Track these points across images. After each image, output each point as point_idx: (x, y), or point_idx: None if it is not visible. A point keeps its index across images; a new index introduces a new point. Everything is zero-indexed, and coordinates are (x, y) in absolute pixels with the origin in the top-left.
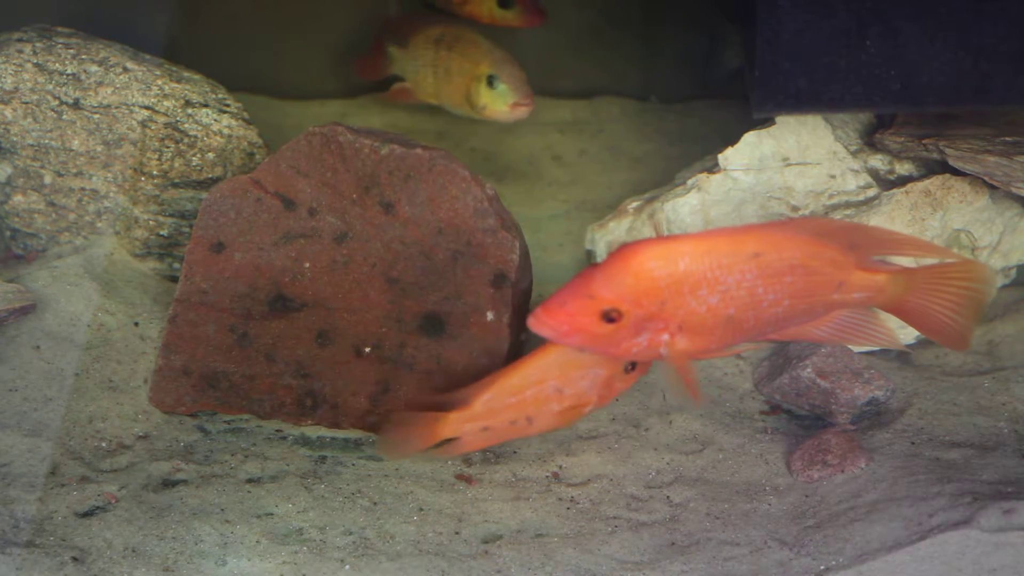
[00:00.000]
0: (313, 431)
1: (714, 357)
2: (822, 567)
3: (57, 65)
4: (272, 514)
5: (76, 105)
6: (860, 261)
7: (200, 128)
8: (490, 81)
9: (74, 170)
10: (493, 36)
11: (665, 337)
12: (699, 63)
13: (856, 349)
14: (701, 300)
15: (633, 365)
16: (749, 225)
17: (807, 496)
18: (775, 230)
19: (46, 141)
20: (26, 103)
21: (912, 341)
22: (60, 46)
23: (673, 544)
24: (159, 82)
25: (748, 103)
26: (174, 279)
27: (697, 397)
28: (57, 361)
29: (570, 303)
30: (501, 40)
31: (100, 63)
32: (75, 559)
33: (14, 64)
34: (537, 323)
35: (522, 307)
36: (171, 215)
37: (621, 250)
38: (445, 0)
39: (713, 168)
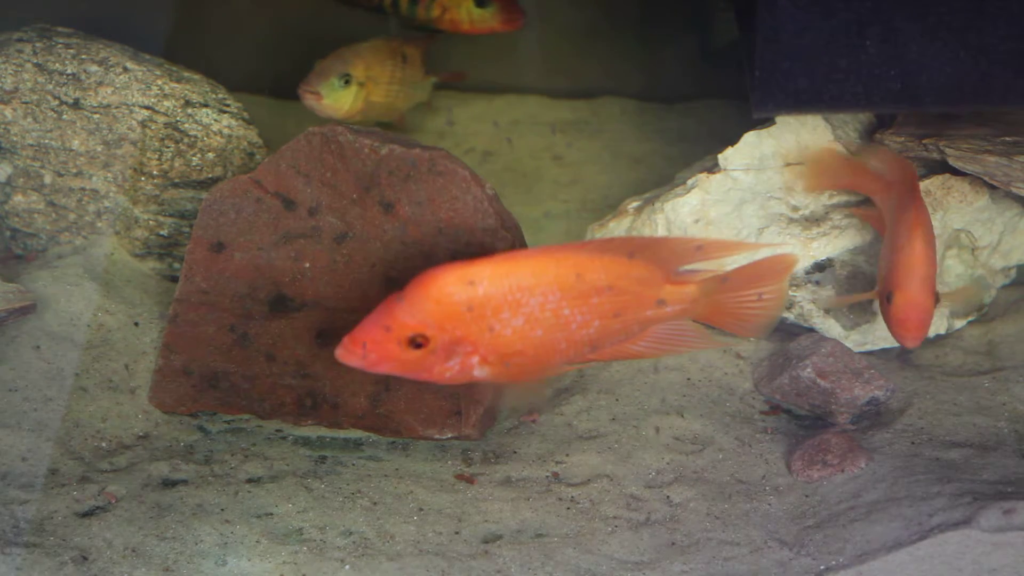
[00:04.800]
0: (313, 431)
1: (540, 377)
2: (822, 567)
3: (57, 65)
4: (272, 514)
5: (76, 105)
6: (668, 275)
7: (200, 128)
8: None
9: (74, 170)
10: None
11: (475, 360)
12: (696, 48)
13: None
14: (505, 323)
15: None
16: (551, 247)
17: (807, 496)
18: (577, 252)
19: (46, 141)
20: (26, 103)
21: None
22: (60, 46)
23: (673, 544)
24: (159, 82)
25: (747, 97)
26: (174, 279)
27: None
28: (57, 361)
29: (375, 332)
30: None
31: (100, 63)
32: (75, 559)
33: (14, 64)
34: (345, 353)
35: None
36: (171, 215)
37: (421, 276)
38: (425, 18)
39: (713, 168)
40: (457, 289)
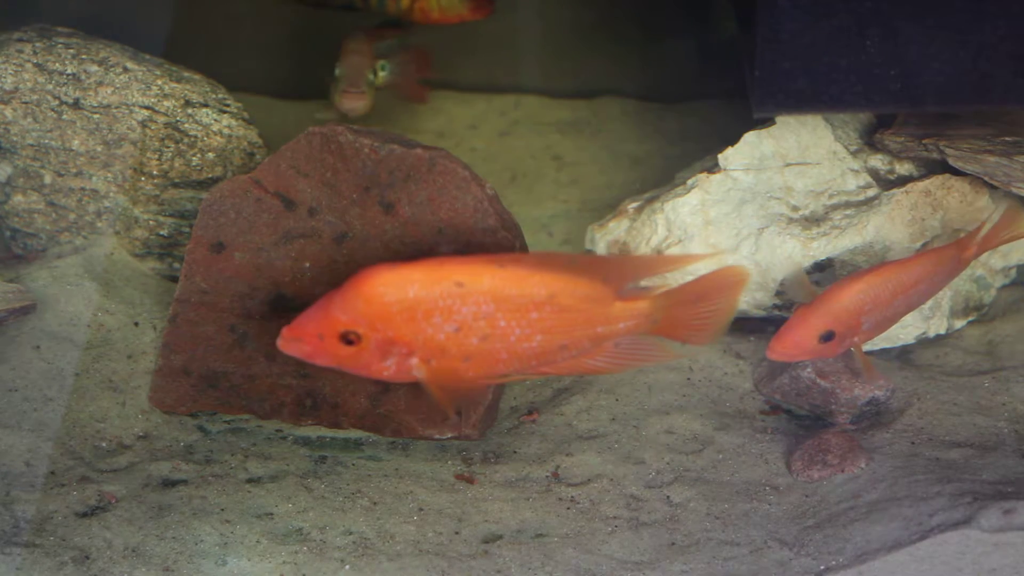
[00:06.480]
0: (313, 431)
1: (488, 383)
2: (822, 567)
3: (57, 65)
4: (272, 514)
5: (76, 105)
6: (617, 292)
7: (200, 128)
8: (335, 72)
9: (74, 170)
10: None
11: (414, 361)
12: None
13: None
14: (438, 328)
15: None
16: (489, 256)
17: (807, 496)
18: (515, 265)
19: (46, 141)
20: (26, 103)
21: (912, 341)
22: (60, 46)
23: (673, 544)
24: (159, 82)
25: (748, 96)
26: (174, 279)
27: (451, 412)
28: (57, 361)
29: (311, 325)
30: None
31: (100, 63)
32: (75, 559)
33: (14, 64)
34: (285, 343)
35: None
36: (171, 215)
37: (357, 274)
38: (395, 11)
39: (713, 168)
40: (387, 290)
